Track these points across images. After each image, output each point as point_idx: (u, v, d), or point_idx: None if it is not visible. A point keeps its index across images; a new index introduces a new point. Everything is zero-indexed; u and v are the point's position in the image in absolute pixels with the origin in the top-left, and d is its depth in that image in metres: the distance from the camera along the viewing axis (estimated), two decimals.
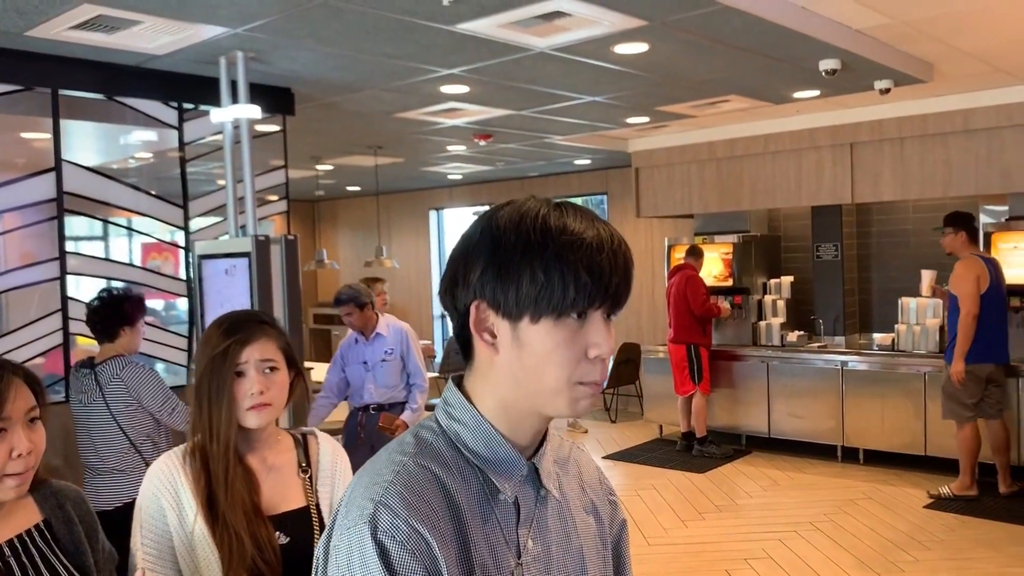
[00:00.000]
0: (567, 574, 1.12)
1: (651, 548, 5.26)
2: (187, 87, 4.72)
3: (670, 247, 8.20)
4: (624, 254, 1.05)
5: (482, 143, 7.50)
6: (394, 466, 1.03)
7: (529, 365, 1.03)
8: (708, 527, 5.64)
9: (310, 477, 1.86)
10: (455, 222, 12.11)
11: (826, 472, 6.71)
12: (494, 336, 1.04)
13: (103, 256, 5.03)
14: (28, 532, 1.59)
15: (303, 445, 1.90)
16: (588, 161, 9.41)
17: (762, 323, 7.64)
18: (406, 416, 4.83)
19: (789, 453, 7.19)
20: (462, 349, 1.09)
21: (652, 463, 7.28)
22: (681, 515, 5.88)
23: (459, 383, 1.12)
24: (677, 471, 6.97)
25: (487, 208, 1.13)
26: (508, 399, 1.06)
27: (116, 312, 3.63)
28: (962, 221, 5.88)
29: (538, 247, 1.01)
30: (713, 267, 7.83)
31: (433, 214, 12.05)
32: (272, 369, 1.78)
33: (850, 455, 6.91)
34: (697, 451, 7.37)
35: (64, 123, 4.38)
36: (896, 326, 6.92)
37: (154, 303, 5.26)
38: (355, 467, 4.36)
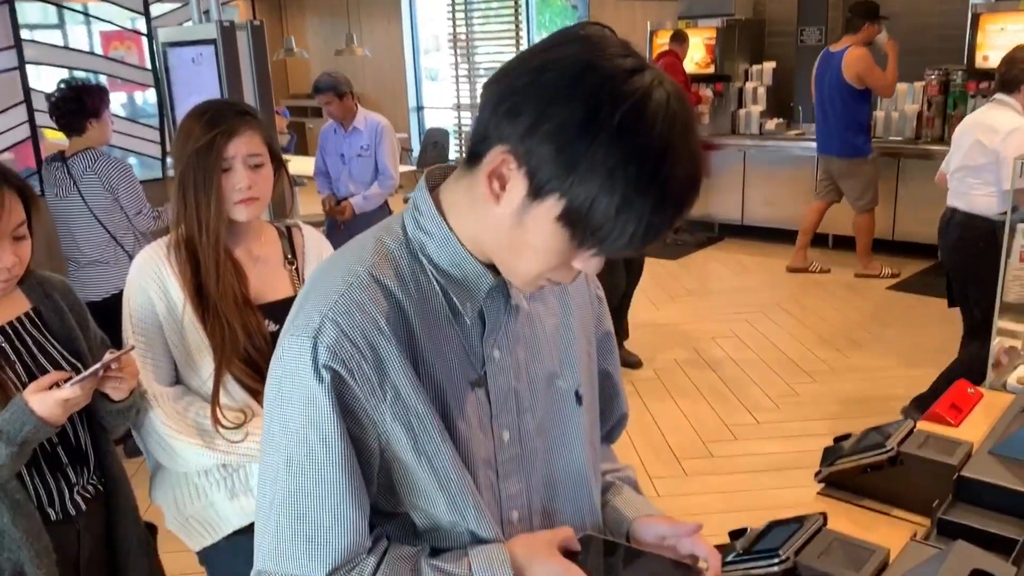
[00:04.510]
0: (538, 380, 1.06)
1: None
2: None
3: (652, 32, 7.94)
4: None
5: None
6: (348, 276, 0.95)
7: (513, 238, 0.90)
8: (679, 309, 5.88)
9: (296, 268, 1.90)
10: (428, 5, 11.59)
11: None
12: (503, 189, 0.88)
13: (63, 45, 4.81)
14: (19, 319, 1.63)
15: (288, 237, 1.93)
16: None
17: (741, 111, 7.57)
18: (355, 200, 4.78)
19: (761, 239, 7.36)
20: (469, 158, 0.91)
21: None
22: (653, 299, 6.09)
23: (434, 185, 0.99)
24: (651, 258, 7.13)
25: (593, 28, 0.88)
26: (482, 239, 0.95)
27: (78, 106, 3.53)
28: None
29: (647, 178, 0.81)
30: (695, 53, 7.63)
31: None
32: (258, 164, 1.77)
33: (820, 240, 7.04)
34: (671, 239, 7.53)
35: None
36: (874, 112, 6.88)
37: (120, 95, 5.12)
38: None
